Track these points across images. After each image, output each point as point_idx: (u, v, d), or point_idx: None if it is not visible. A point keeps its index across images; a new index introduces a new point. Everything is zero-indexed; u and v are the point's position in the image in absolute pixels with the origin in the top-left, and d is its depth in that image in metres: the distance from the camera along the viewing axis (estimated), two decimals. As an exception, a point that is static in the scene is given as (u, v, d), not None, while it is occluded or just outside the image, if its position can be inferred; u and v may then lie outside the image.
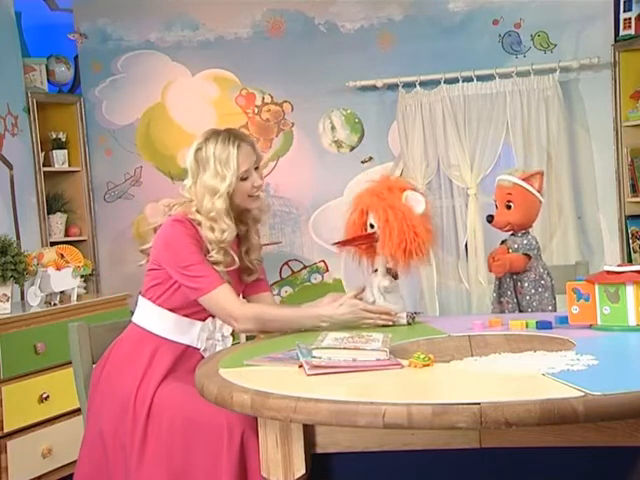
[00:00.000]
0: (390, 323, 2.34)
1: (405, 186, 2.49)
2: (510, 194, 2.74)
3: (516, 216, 2.74)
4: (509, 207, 2.75)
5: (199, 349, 2.33)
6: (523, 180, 2.74)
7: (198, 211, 2.32)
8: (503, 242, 2.82)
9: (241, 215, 2.43)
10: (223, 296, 2.26)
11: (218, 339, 2.37)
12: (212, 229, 2.30)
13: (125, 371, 2.25)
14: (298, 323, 2.32)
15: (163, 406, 2.15)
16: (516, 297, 2.74)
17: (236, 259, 2.35)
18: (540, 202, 2.79)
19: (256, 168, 2.39)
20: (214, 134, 2.36)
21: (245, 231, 2.45)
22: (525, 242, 2.75)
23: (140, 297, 2.39)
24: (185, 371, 2.26)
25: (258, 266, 2.49)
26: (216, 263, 2.30)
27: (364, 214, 2.49)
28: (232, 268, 2.34)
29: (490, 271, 2.77)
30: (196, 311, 2.32)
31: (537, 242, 2.78)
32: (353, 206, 2.53)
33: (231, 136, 2.35)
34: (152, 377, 2.22)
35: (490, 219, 2.79)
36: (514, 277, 2.75)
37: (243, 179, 2.34)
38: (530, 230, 2.81)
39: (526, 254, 2.72)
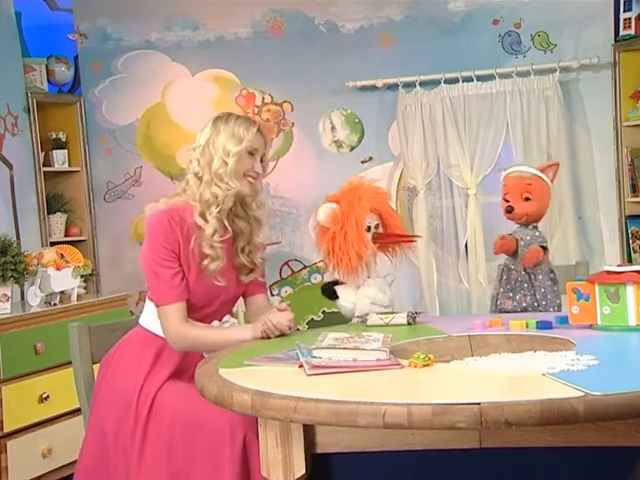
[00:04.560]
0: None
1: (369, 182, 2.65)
2: (530, 185, 2.73)
3: (534, 207, 2.73)
4: (527, 199, 2.74)
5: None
6: (540, 171, 2.75)
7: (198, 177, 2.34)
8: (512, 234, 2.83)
9: (239, 210, 2.42)
10: (166, 316, 2.26)
11: None
12: (217, 188, 2.29)
13: (129, 371, 2.25)
14: (225, 344, 2.28)
15: (164, 406, 2.15)
16: (533, 288, 2.74)
17: (221, 254, 2.31)
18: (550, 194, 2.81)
19: (261, 160, 2.40)
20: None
21: (248, 229, 2.42)
22: (537, 234, 2.75)
23: (147, 298, 2.39)
24: (189, 372, 2.26)
25: (261, 266, 2.48)
26: (208, 258, 2.28)
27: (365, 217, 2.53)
28: (220, 265, 2.30)
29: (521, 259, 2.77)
30: (200, 316, 2.31)
31: (545, 236, 2.80)
32: (352, 206, 2.55)
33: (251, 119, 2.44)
34: (156, 377, 2.22)
35: (510, 209, 2.78)
36: (527, 270, 2.75)
37: (250, 153, 2.35)
38: (538, 225, 2.81)
39: (542, 246, 2.73)
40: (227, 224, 2.34)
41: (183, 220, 2.30)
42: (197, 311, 2.31)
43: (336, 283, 2.58)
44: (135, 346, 2.31)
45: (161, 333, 2.30)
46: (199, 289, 2.30)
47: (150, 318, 2.34)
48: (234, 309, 2.54)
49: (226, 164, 2.31)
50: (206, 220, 2.29)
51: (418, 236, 2.62)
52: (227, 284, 2.35)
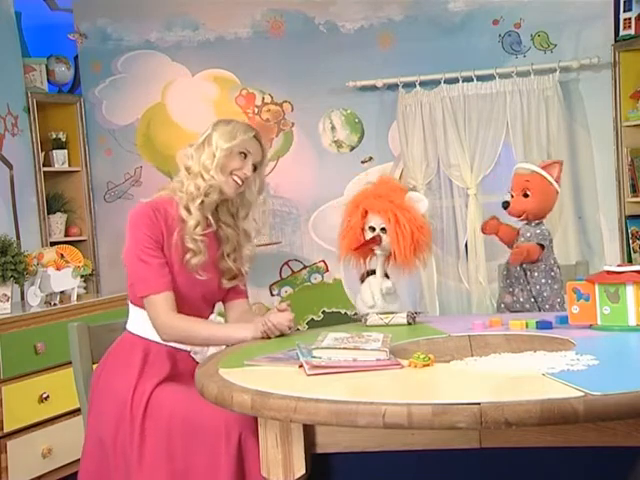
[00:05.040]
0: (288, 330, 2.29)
1: (404, 187, 2.53)
2: (528, 181, 2.73)
3: (533, 204, 2.73)
4: (526, 195, 2.73)
5: (189, 351, 2.32)
6: (542, 168, 2.74)
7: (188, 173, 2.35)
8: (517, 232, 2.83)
9: (227, 219, 2.43)
10: (154, 306, 2.25)
11: None
12: (201, 179, 2.31)
13: (121, 374, 2.24)
14: (223, 342, 2.29)
15: (160, 407, 2.15)
16: (528, 285, 2.74)
17: (203, 249, 2.31)
18: (557, 192, 2.79)
19: (255, 168, 2.40)
20: None
21: (235, 238, 2.43)
22: (538, 232, 2.74)
23: (129, 302, 2.38)
24: (180, 373, 2.27)
25: (246, 274, 2.48)
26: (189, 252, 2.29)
27: (364, 217, 2.50)
28: (202, 259, 2.29)
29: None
30: (183, 313, 2.29)
31: (549, 233, 2.78)
32: (351, 208, 2.54)
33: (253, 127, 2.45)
34: (147, 379, 2.21)
35: (506, 205, 2.77)
36: (523, 267, 2.74)
37: (242, 154, 2.35)
38: (544, 221, 2.80)
39: (540, 244, 2.72)
40: (211, 219, 2.35)
41: (167, 212, 2.31)
42: (191, 312, 2.30)
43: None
44: (125, 351, 2.30)
45: (148, 335, 2.29)
46: (180, 282, 2.30)
47: (136, 322, 2.34)
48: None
49: (214, 157, 2.33)
50: (190, 212, 2.31)
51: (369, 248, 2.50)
52: (208, 281, 2.35)
